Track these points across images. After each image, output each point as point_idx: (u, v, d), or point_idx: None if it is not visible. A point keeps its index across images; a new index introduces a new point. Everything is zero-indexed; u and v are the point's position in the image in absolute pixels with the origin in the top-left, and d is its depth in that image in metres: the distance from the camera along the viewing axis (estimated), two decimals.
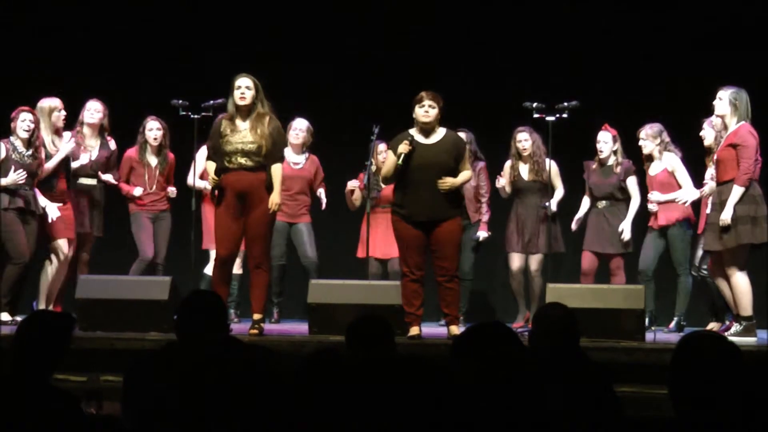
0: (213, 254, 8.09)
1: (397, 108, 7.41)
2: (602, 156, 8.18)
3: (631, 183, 8.16)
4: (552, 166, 8.15)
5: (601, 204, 8.21)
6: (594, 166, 8.25)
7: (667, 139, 8.00)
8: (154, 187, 8.24)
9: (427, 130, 6.87)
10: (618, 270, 8.14)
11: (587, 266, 8.22)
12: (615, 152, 8.17)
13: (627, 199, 8.20)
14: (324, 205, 8.59)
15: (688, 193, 7.91)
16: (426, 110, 6.82)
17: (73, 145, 7.73)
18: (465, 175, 6.97)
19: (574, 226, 8.28)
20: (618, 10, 9.12)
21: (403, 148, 6.79)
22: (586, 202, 8.32)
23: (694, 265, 7.90)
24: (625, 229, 8.11)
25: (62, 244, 7.68)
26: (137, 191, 8.17)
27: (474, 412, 2.37)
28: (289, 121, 8.44)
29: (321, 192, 8.60)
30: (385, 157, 8.13)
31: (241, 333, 6.73)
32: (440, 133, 6.93)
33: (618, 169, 8.14)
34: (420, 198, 6.80)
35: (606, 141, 8.16)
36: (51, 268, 7.67)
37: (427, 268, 7.01)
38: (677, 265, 8.01)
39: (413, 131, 6.91)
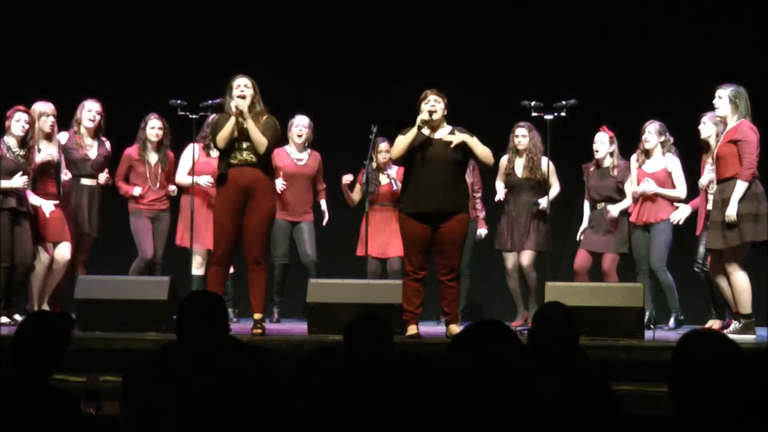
0: (196, 253, 8.09)
1: (396, 108, 7.41)
2: (598, 156, 8.19)
3: (628, 184, 8.18)
4: (549, 165, 8.15)
5: (600, 206, 8.22)
6: (592, 169, 8.26)
7: (671, 140, 8.00)
8: (158, 185, 8.22)
9: (433, 125, 6.88)
10: (611, 270, 8.15)
11: (579, 264, 8.23)
12: (611, 153, 8.18)
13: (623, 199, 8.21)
14: (325, 221, 8.60)
15: (681, 210, 7.88)
16: (432, 105, 6.84)
17: (55, 155, 7.68)
18: (482, 147, 6.88)
19: (580, 236, 8.27)
20: (618, 10, 9.13)
21: (425, 115, 6.80)
22: (587, 208, 8.31)
23: (697, 261, 7.90)
24: (612, 209, 8.08)
25: (58, 247, 7.67)
26: (136, 191, 8.16)
27: (472, 411, 2.37)
28: (288, 119, 8.45)
29: (323, 203, 8.60)
30: (388, 157, 8.12)
31: (240, 332, 6.72)
32: (446, 128, 6.94)
33: (615, 172, 8.15)
34: (428, 190, 6.80)
35: (603, 141, 8.17)
36: (42, 270, 7.66)
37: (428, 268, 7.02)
38: (654, 261, 7.99)
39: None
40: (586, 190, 8.30)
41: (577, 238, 8.29)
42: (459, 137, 6.82)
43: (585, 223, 8.29)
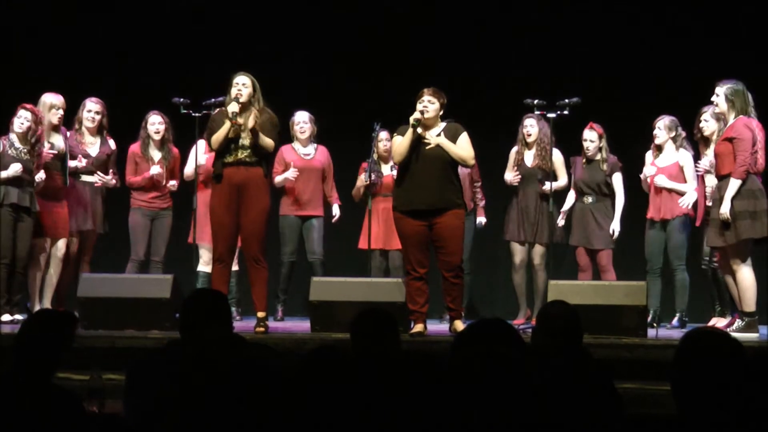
0: (203, 249, 8.09)
1: (398, 106, 7.41)
2: (589, 153, 8.19)
3: (617, 179, 8.18)
4: (556, 156, 8.16)
5: (587, 199, 8.22)
6: (583, 161, 8.26)
7: (683, 134, 7.99)
8: (162, 182, 8.21)
9: (426, 124, 6.89)
10: (608, 266, 8.15)
11: (584, 262, 8.23)
12: (601, 149, 8.18)
13: (613, 194, 8.21)
14: (335, 219, 8.61)
15: (689, 195, 7.87)
16: (425, 105, 6.85)
17: (62, 146, 7.69)
18: (459, 148, 6.89)
19: (560, 221, 8.30)
20: (620, 11, 9.13)
21: (417, 114, 6.82)
22: (571, 196, 8.33)
23: (704, 258, 7.89)
24: (615, 228, 8.13)
25: (57, 243, 7.69)
26: (154, 169, 8.13)
27: (474, 409, 2.37)
28: (289, 117, 8.44)
29: (335, 208, 8.60)
30: (389, 146, 8.08)
31: (244, 330, 6.72)
32: (440, 126, 6.96)
33: (604, 166, 8.16)
34: (421, 187, 6.83)
35: (592, 140, 8.17)
36: (44, 267, 7.66)
37: (431, 266, 7.01)
38: (673, 259, 7.99)
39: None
40: (573, 183, 8.31)
41: (558, 221, 8.25)
42: (435, 140, 6.86)
43: (566, 206, 8.28)
